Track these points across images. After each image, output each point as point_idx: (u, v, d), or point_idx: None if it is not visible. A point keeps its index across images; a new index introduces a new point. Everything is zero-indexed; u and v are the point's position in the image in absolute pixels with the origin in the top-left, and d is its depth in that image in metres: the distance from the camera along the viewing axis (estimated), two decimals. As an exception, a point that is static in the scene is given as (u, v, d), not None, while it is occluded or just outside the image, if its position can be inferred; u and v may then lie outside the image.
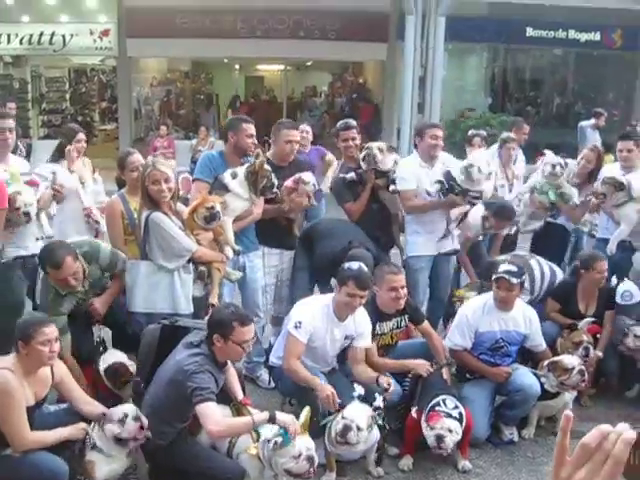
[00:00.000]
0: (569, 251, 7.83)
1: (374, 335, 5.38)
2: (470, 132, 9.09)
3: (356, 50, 17.92)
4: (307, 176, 5.84)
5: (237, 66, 22.72)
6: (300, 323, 4.89)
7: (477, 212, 6.55)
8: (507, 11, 16.69)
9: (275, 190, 5.63)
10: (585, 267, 6.08)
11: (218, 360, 4.27)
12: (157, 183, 4.82)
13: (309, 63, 22.08)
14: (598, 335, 6.08)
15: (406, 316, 5.60)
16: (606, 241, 6.66)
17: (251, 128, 5.73)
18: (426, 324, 5.71)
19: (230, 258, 5.39)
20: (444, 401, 4.86)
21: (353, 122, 7.09)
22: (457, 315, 5.71)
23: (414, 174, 6.30)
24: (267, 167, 5.44)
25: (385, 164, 6.38)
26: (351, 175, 6.45)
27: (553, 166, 6.81)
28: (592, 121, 14.21)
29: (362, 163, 6.39)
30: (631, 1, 16.14)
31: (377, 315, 5.40)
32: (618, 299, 6.09)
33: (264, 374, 6.06)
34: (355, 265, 5.01)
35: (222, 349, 4.22)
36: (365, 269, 5.07)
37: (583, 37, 18.55)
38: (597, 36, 18.59)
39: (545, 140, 13.15)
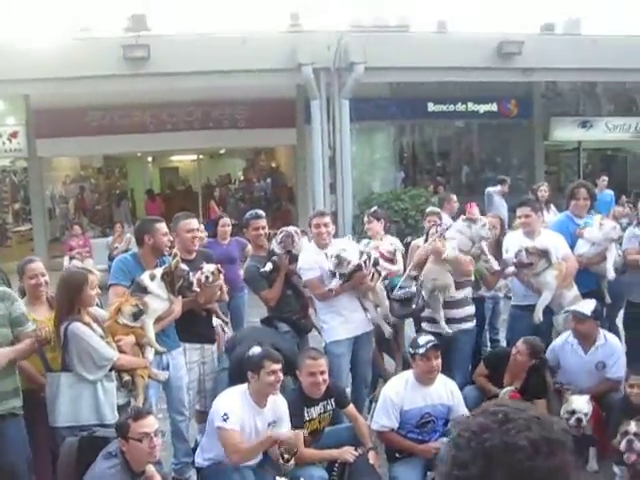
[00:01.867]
0: (488, 317, 8.08)
1: (303, 421, 5.39)
2: (372, 209, 9.22)
3: (266, 136, 18.31)
4: (207, 267, 5.89)
5: (150, 159, 22.80)
6: (227, 414, 4.89)
7: None
8: (408, 89, 17.42)
9: (194, 289, 5.69)
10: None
11: (132, 467, 4.21)
12: (94, 288, 4.92)
13: (222, 151, 22.37)
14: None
15: (332, 400, 5.63)
16: (524, 308, 6.81)
17: (164, 227, 5.80)
18: (351, 407, 5.76)
19: (151, 360, 5.38)
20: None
21: (262, 212, 7.26)
22: (380, 396, 5.73)
23: (315, 261, 6.39)
24: (183, 267, 5.50)
25: (299, 248, 6.56)
26: (269, 266, 6.58)
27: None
28: (498, 188, 14.70)
29: (278, 246, 6.52)
30: (519, 75, 17.04)
31: (304, 401, 5.43)
32: None
33: (193, 475, 5.93)
34: (257, 348, 5.13)
35: (129, 451, 4.18)
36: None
37: (482, 108, 19.50)
38: (494, 107, 19.56)
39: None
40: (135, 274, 5.58)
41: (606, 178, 15.40)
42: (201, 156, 21.90)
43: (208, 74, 15.11)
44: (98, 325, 4.95)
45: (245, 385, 5.12)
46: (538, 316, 6.50)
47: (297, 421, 5.36)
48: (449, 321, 6.39)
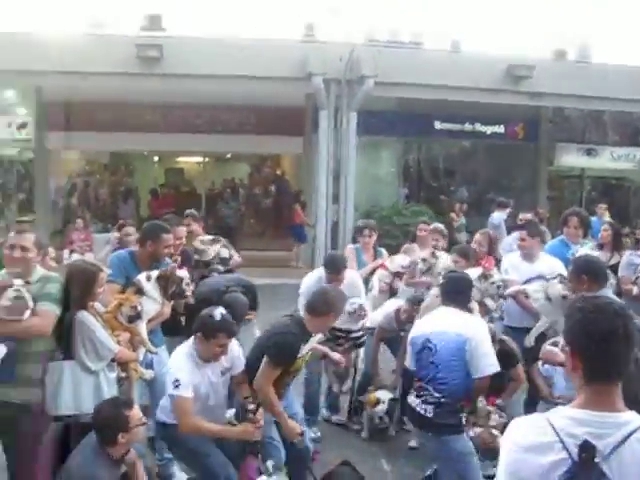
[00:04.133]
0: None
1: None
2: (359, 222, 9.26)
3: (273, 143, 18.44)
4: (182, 273, 5.94)
5: (156, 158, 22.91)
6: (178, 380, 4.80)
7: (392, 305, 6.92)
8: (416, 106, 17.49)
9: (187, 295, 5.77)
10: None
11: (112, 454, 4.32)
12: (102, 286, 4.94)
13: (228, 155, 22.49)
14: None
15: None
16: (517, 330, 6.75)
17: (170, 239, 5.87)
18: None
19: (141, 359, 5.44)
20: None
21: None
22: None
23: None
24: (179, 274, 5.56)
25: (207, 255, 6.71)
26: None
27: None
28: (501, 212, 14.26)
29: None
30: (528, 98, 17.17)
31: (303, 336, 5.22)
32: None
33: (177, 471, 5.97)
34: (218, 314, 4.91)
35: (129, 440, 4.34)
36: (229, 316, 5.01)
37: (488, 130, 19.60)
38: (501, 129, 19.67)
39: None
40: (130, 272, 5.63)
41: (604, 205, 15.43)
42: (207, 159, 22.01)
43: (219, 78, 15.24)
44: (100, 318, 5.01)
45: (191, 343, 5.01)
46: (530, 340, 6.48)
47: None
48: None
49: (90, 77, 14.74)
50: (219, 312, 4.92)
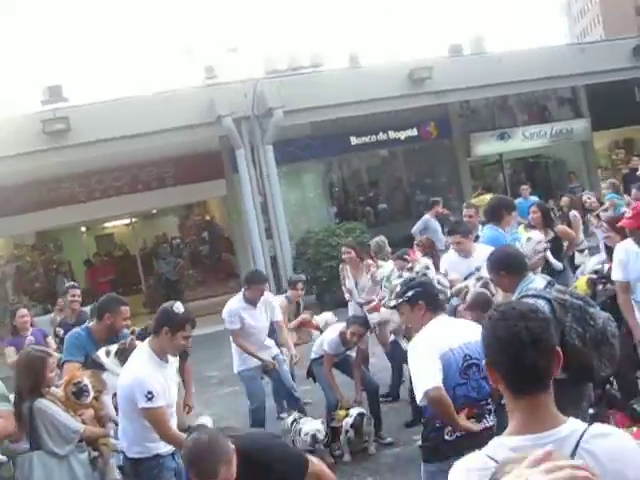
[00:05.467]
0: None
1: None
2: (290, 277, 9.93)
3: (196, 191, 18.42)
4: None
5: (83, 228, 22.63)
6: (150, 392, 4.54)
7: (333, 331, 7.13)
8: (329, 127, 17.77)
9: None
10: None
11: None
12: (53, 370, 4.92)
13: (154, 211, 22.37)
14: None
15: None
16: None
17: (127, 311, 5.83)
18: None
19: (112, 433, 5.39)
20: None
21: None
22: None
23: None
24: (138, 344, 5.56)
25: None
26: None
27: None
28: (429, 213, 14.49)
29: None
30: (434, 97, 17.64)
31: None
32: None
33: None
34: (180, 307, 4.81)
35: None
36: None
37: (402, 135, 19.97)
38: (414, 131, 20.07)
39: (393, 235, 13.75)
40: (88, 349, 5.61)
41: (526, 186, 15.89)
42: (134, 219, 21.85)
43: (130, 137, 15.22)
44: (59, 401, 4.98)
45: (145, 347, 4.84)
46: None
47: None
48: None
49: (1, 162, 14.52)
50: (179, 305, 4.83)
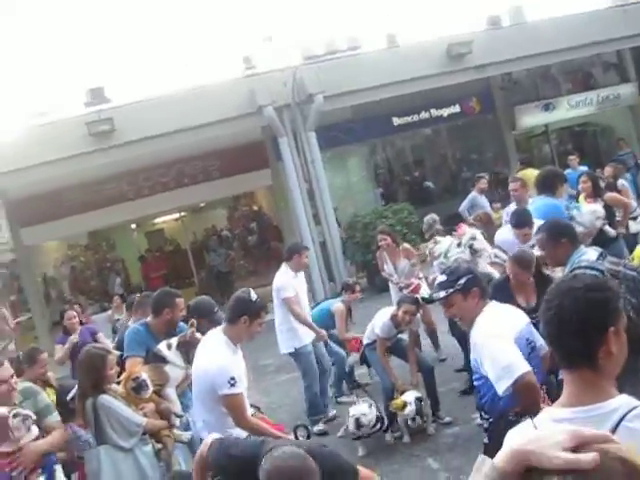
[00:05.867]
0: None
1: None
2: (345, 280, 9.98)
3: (242, 182, 18.50)
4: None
5: (134, 226, 22.98)
6: (234, 378, 4.63)
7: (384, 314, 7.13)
8: (371, 109, 17.66)
9: None
10: None
11: None
12: (113, 368, 5.02)
13: (202, 205, 22.58)
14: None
15: None
16: None
17: (182, 302, 5.95)
18: None
19: (178, 424, 5.49)
20: None
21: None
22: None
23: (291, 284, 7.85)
24: (198, 336, 5.63)
25: None
26: None
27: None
28: (475, 189, 14.39)
29: None
30: (474, 72, 17.41)
31: None
32: None
33: None
34: (254, 295, 4.93)
35: None
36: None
37: (445, 112, 19.75)
38: (457, 108, 19.83)
39: (441, 213, 13.67)
40: (148, 343, 5.73)
41: (574, 156, 15.60)
42: (183, 213, 22.09)
43: (174, 133, 15.35)
44: (120, 397, 5.09)
45: (219, 335, 4.92)
46: None
47: None
48: None
49: (49, 166, 14.78)
50: (253, 293, 4.97)
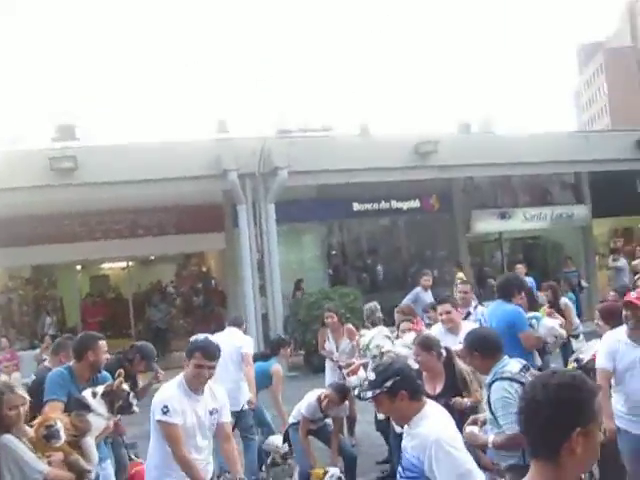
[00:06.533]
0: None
1: None
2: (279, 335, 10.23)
3: (195, 241, 18.50)
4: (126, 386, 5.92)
5: (79, 267, 22.65)
6: (166, 407, 4.78)
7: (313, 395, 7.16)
8: (333, 191, 17.91)
9: (133, 409, 5.68)
10: None
11: None
12: (15, 408, 4.77)
13: (152, 258, 22.42)
14: None
15: None
16: None
17: (105, 345, 5.83)
18: None
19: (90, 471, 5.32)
20: None
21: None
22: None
23: None
24: (125, 387, 5.53)
25: None
26: None
27: None
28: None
29: None
30: (438, 171, 17.87)
31: None
32: None
33: None
34: (202, 336, 5.15)
35: None
36: (213, 341, 5.17)
37: (405, 205, 20.15)
38: (417, 203, 20.26)
39: (387, 303, 13.79)
40: (70, 388, 5.57)
41: (521, 266, 15.97)
42: (131, 263, 21.88)
43: (135, 183, 15.37)
44: (27, 441, 4.92)
45: (181, 375, 5.09)
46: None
47: None
48: None
49: (6, 193, 14.63)
50: (201, 335, 5.22)
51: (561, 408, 2.12)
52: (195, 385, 4.99)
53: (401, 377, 3.99)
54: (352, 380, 8.67)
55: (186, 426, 4.89)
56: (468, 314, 8.30)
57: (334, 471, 7.05)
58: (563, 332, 7.72)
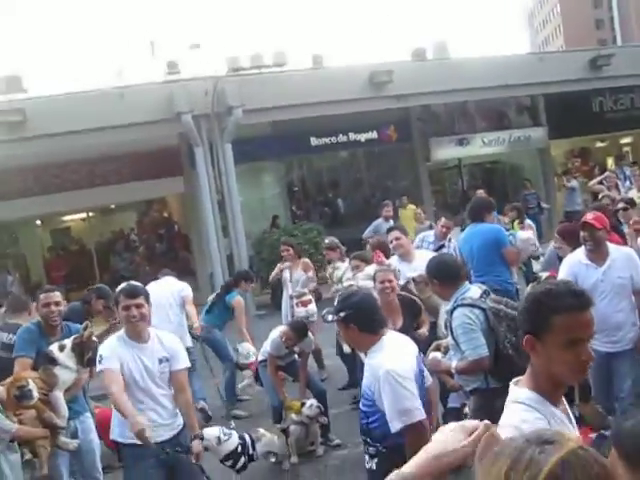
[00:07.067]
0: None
1: None
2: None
3: (154, 187, 18.26)
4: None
5: (39, 222, 22.30)
6: (101, 356, 4.80)
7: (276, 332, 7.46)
8: (290, 127, 17.76)
9: None
10: None
11: None
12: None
13: (112, 206, 22.13)
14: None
15: None
16: None
17: (48, 297, 5.73)
18: None
19: (64, 427, 5.32)
20: None
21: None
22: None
23: None
24: (94, 339, 5.48)
25: None
26: None
27: None
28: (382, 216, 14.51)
29: None
30: (394, 101, 17.77)
31: None
32: None
33: None
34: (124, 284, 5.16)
35: None
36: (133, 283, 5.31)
37: (362, 137, 20.06)
38: (374, 134, 20.18)
39: (350, 236, 13.92)
40: (40, 343, 5.53)
41: (481, 191, 16.05)
42: (91, 214, 21.59)
43: (88, 132, 15.04)
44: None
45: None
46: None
47: None
48: None
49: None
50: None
51: (519, 313, 2.54)
52: (131, 330, 4.89)
53: (354, 310, 4.05)
54: (299, 311, 9.19)
55: (132, 374, 4.81)
56: (441, 246, 8.45)
57: (312, 401, 7.15)
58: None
